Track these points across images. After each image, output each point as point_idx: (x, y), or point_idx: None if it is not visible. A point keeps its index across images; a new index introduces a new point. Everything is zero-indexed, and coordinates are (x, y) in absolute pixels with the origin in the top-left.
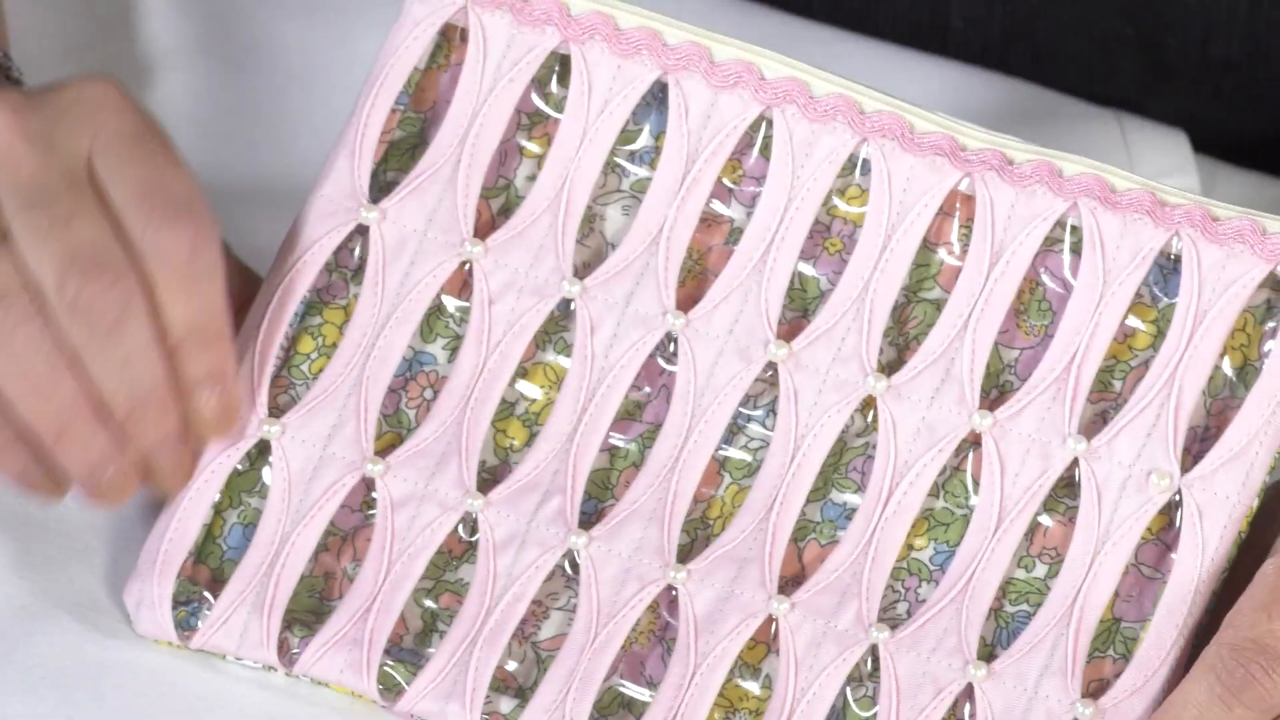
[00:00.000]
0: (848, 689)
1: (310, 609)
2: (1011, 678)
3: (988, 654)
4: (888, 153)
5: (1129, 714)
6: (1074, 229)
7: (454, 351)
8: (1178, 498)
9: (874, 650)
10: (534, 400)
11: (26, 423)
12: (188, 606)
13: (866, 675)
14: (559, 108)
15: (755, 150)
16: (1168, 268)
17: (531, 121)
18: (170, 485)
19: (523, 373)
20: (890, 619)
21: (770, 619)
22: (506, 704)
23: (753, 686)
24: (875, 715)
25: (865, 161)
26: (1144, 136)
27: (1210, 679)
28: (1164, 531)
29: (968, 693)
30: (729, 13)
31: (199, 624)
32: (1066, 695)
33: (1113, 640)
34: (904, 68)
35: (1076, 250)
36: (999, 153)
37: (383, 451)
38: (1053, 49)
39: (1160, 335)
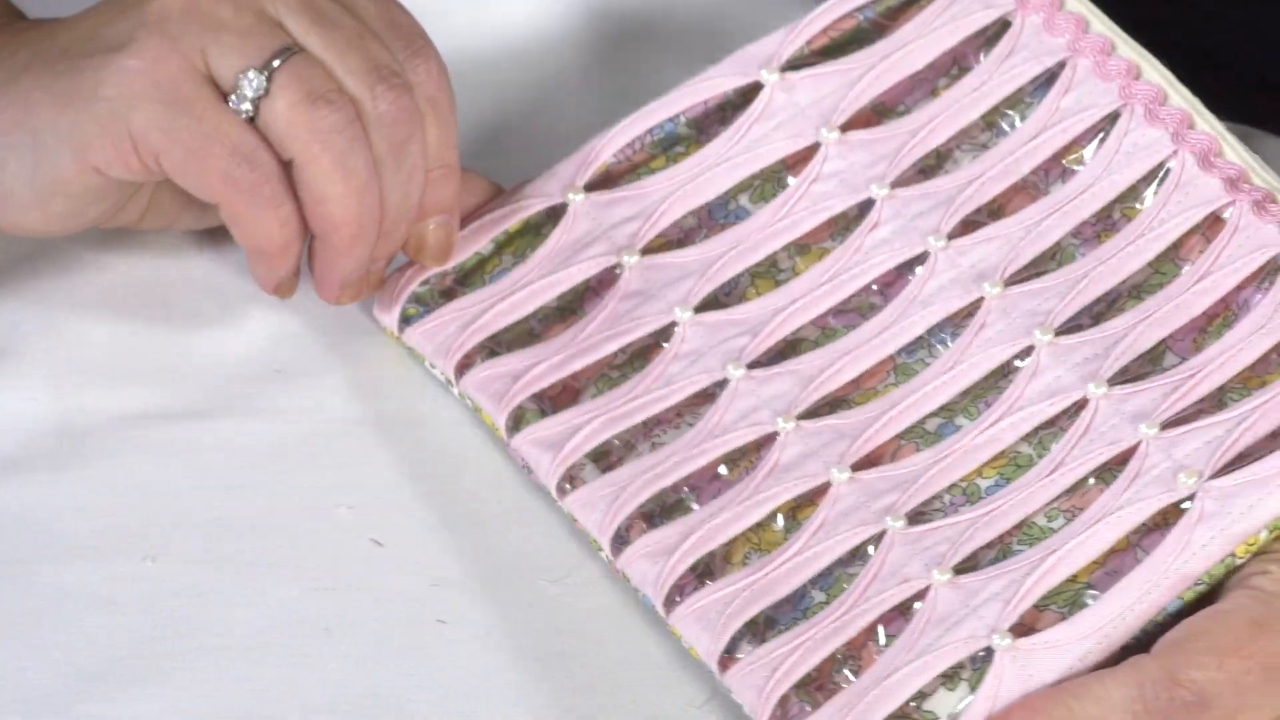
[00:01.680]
0: (849, 560)
1: (501, 349)
2: (966, 589)
3: (968, 568)
4: (1187, 169)
5: (1040, 664)
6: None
7: (756, 210)
8: (1190, 499)
9: (881, 535)
10: (796, 273)
11: (333, 219)
12: (419, 307)
13: (869, 555)
14: (970, 64)
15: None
16: None
17: (953, 69)
18: (352, 298)
19: (803, 249)
20: (915, 514)
21: (828, 484)
22: (591, 472)
23: (781, 534)
24: (850, 590)
25: (1166, 170)
26: None
27: (1135, 692)
28: (1161, 520)
29: (923, 592)
30: None
31: (416, 323)
32: (997, 623)
33: (1071, 600)
34: None
35: (1270, 285)
36: (1270, 193)
37: (640, 247)
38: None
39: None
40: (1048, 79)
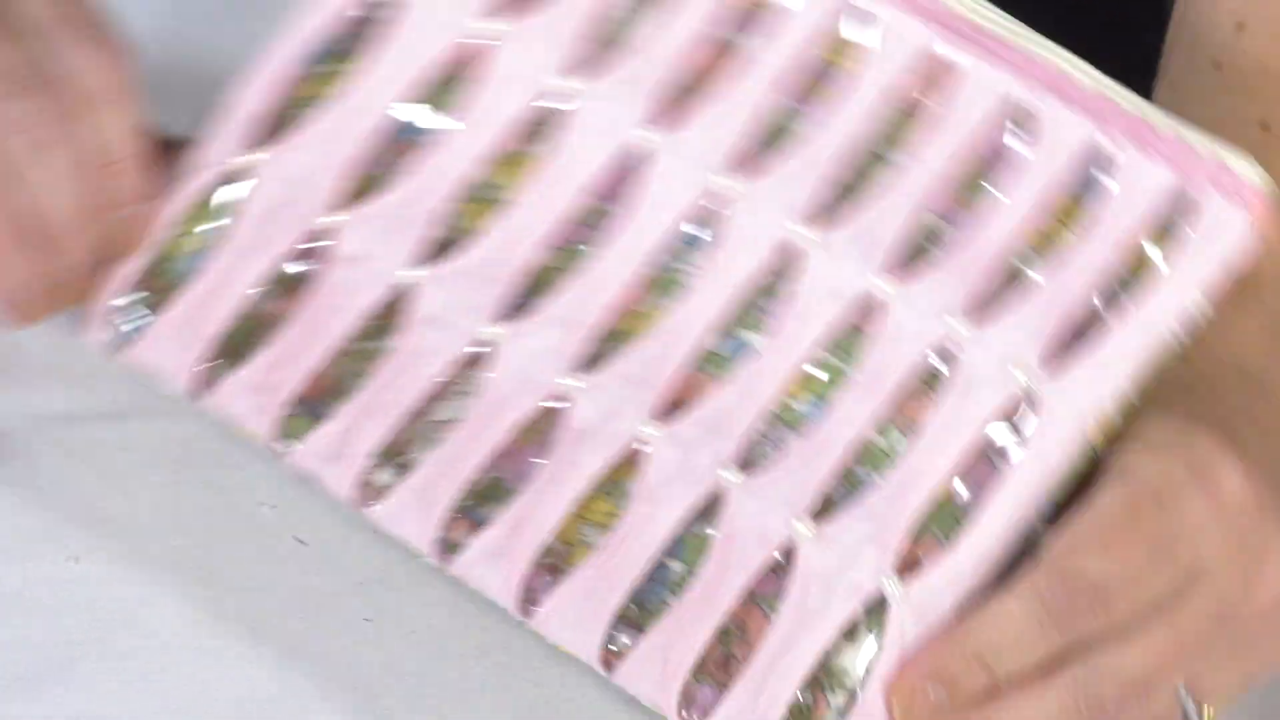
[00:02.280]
0: (696, 525)
1: (237, 347)
2: (835, 539)
3: (824, 511)
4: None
5: (936, 604)
6: (1029, 114)
7: (442, 129)
8: (1033, 396)
9: (721, 490)
10: (504, 188)
11: None
12: (136, 320)
13: (712, 513)
14: None
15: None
16: (1090, 166)
17: None
18: (78, 301)
19: (506, 158)
20: (747, 461)
21: (640, 441)
22: (385, 475)
23: (612, 501)
24: (709, 552)
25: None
26: None
27: (1034, 603)
28: (1014, 421)
29: (790, 547)
30: None
31: (134, 340)
32: (881, 566)
33: (939, 519)
34: None
35: (1017, 132)
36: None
37: (343, 204)
38: None
39: (1065, 233)
40: None
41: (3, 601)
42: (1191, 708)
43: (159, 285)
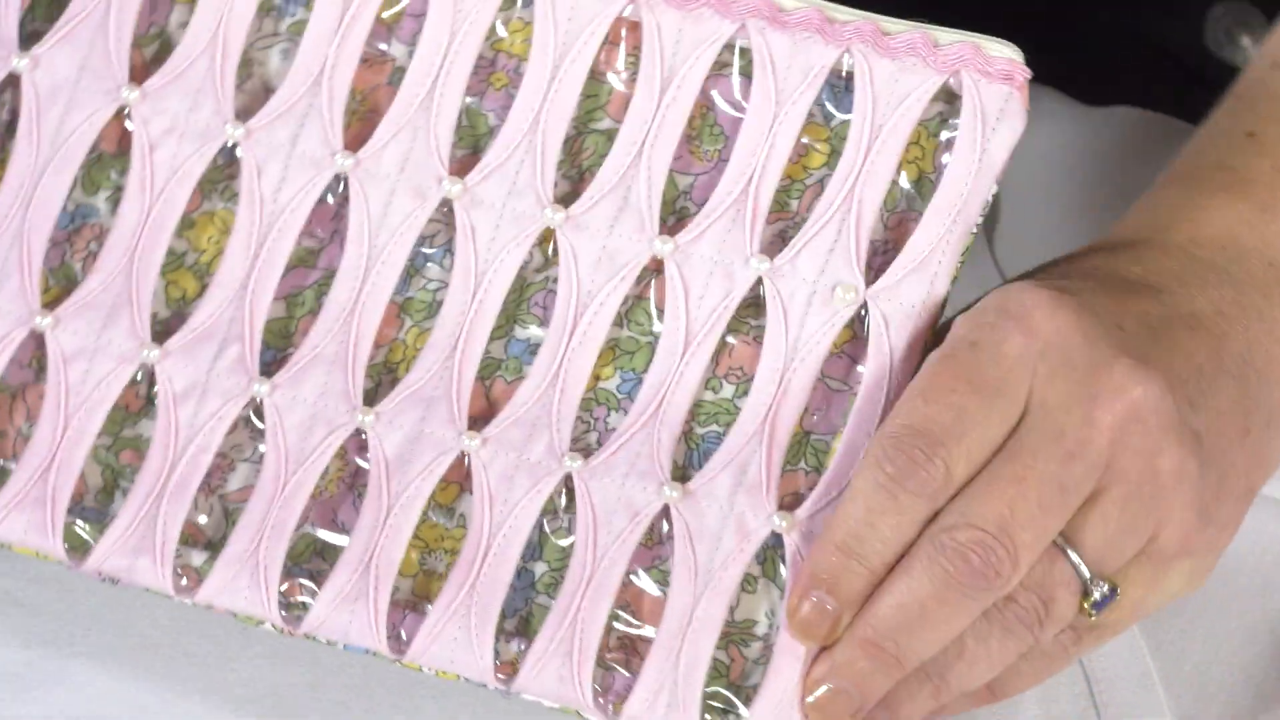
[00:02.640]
0: (544, 520)
1: None
2: (705, 497)
3: (681, 476)
4: None
5: (825, 523)
6: (744, 51)
7: (117, 204)
8: (863, 310)
9: (568, 480)
10: (203, 250)
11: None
12: None
13: (562, 508)
14: None
15: None
16: (839, 86)
17: None
18: None
19: (190, 224)
20: (582, 448)
21: (462, 455)
22: (198, 557)
23: (448, 525)
24: (573, 544)
25: None
26: None
27: (874, 470)
28: (849, 344)
29: (664, 514)
30: None
31: None
32: (762, 509)
33: (804, 453)
34: None
35: (747, 73)
36: None
37: (50, 305)
38: None
39: (835, 154)
40: None
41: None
42: (1082, 567)
43: None
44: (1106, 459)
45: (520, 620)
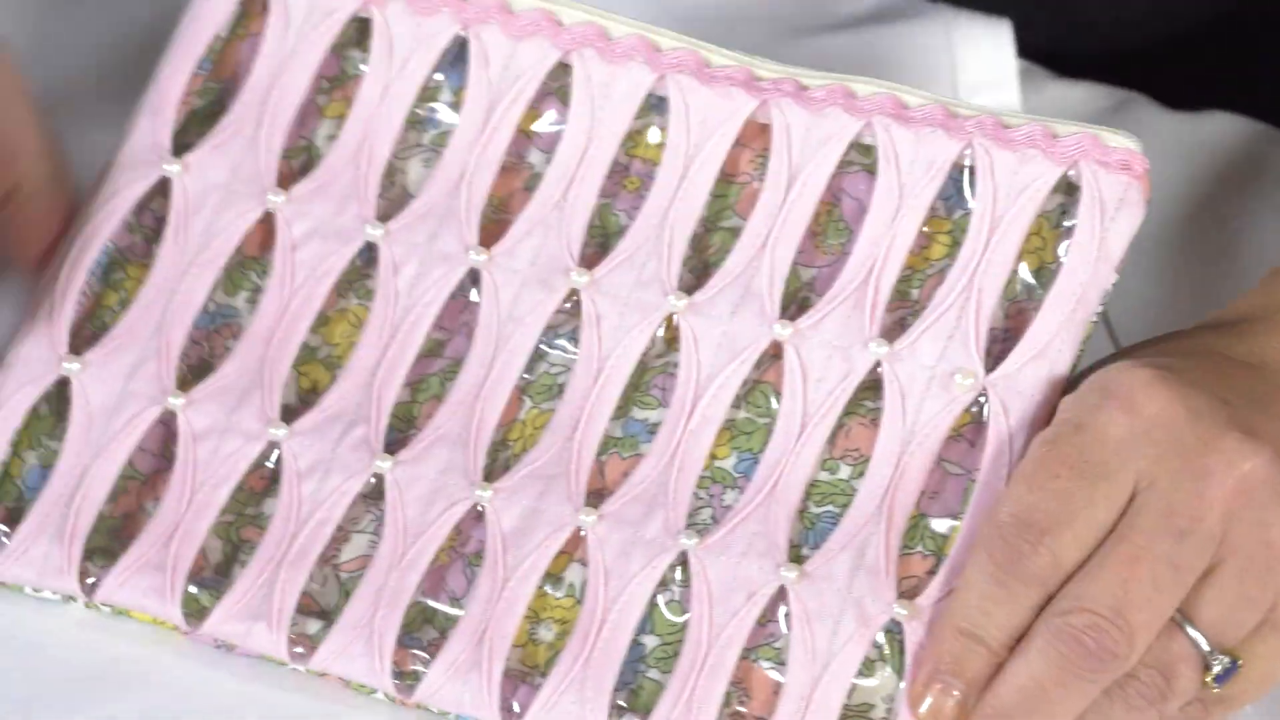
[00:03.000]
0: (658, 595)
1: (110, 543)
2: (823, 579)
3: (797, 555)
4: (685, 88)
5: (943, 610)
6: (868, 148)
7: (255, 304)
8: (982, 396)
9: (683, 556)
10: (336, 344)
11: None
12: None
13: (676, 581)
14: (359, 70)
15: (556, 98)
16: (960, 180)
17: (332, 85)
18: None
19: (325, 321)
20: (698, 526)
21: (577, 530)
22: (312, 625)
23: (556, 594)
24: (687, 620)
25: (661, 99)
26: (970, 44)
27: (984, 560)
28: (968, 429)
29: (780, 595)
30: None
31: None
32: (882, 595)
33: (921, 536)
34: None
35: (872, 170)
36: (794, 80)
37: (184, 388)
38: None
39: (956, 245)
40: (456, 54)
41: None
42: (1202, 641)
43: (11, 510)
44: (1220, 534)
45: (630, 693)
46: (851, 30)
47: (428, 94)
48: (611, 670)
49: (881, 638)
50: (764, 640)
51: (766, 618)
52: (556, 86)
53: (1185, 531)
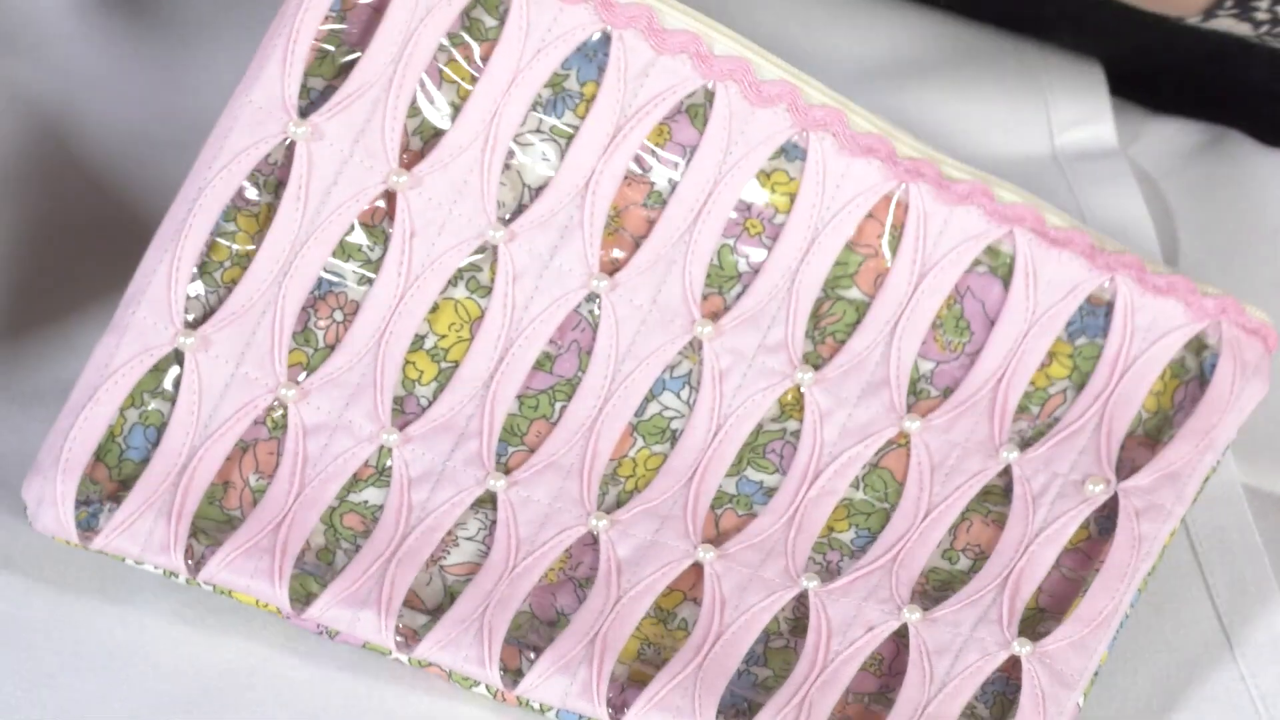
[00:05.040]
0: (770, 638)
1: (214, 520)
2: (947, 624)
3: (921, 608)
4: (826, 149)
5: (1063, 660)
6: (997, 253)
7: (364, 277)
8: (1112, 502)
9: (803, 596)
10: (443, 336)
11: None
12: (89, 507)
13: (787, 630)
14: (485, 37)
15: (687, 118)
16: (1086, 309)
17: (454, 43)
18: None
19: (433, 308)
20: (819, 575)
21: (695, 565)
22: (418, 619)
23: (668, 626)
24: (801, 650)
25: (797, 148)
26: (1062, 81)
27: None
28: (1085, 542)
29: (901, 631)
30: None
31: (101, 525)
32: (1003, 637)
33: (1038, 623)
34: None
35: (997, 274)
36: (935, 167)
37: (295, 376)
38: None
39: (1076, 370)
40: (595, 47)
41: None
42: None
43: (111, 469)
44: None
45: (738, 714)
46: (945, 72)
47: (553, 80)
48: (722, 678)
49: (983, 695)
50: (880, 689)
51: (883, 670)
52: (690, 106)
53: None
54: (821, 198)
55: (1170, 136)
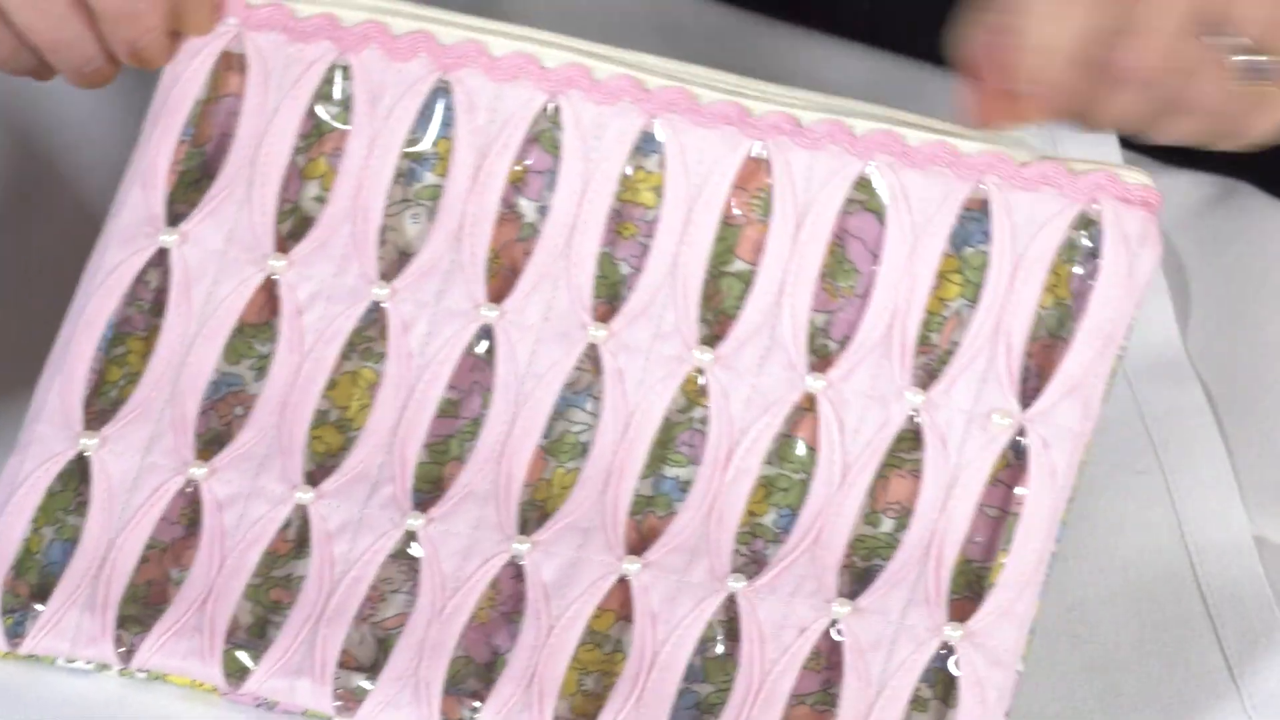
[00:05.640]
0: (706, 646)
1: (141, 611)
2: (876, 613)
3: (849, 596)
4: (678, 128)
5: (996, 636)
6: (868, 185)
7: (260, 371)
8: (1020, 435)
9: (732, 599)
10: (346, 407)
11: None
12: (14, 614)
13: (721, 637)
14: (343, 119)
15: (539, 146)
16: (968, 217)
17: (308, 143)
18: (155, 63)
19: (332, 384)
20: (744, 572)
21: (623, 579)
22: (355, 679)
23: (605, 650)
24: (738, 662)
25: (651, 139)
26: (1073, 133)
27: None
28: (1004, 471)
29: (833, 627)
30: None
31: (28, 629)
32: (933, 620)
33: (968, 582)
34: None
35: (871, 209)
36: (788, 115)
37: (204, 459)
38: None
39: (969, 284)
40: (436, 101)
41: None
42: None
43: (33, 585)
44: None
45: None
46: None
47: (411, 142)
48: (664, 705)
49: (932, 669)
50: (820, 686)
51: (820, 663)
52: (539, 131)
53: None
54: (686, 180)
55: (1182, 189)
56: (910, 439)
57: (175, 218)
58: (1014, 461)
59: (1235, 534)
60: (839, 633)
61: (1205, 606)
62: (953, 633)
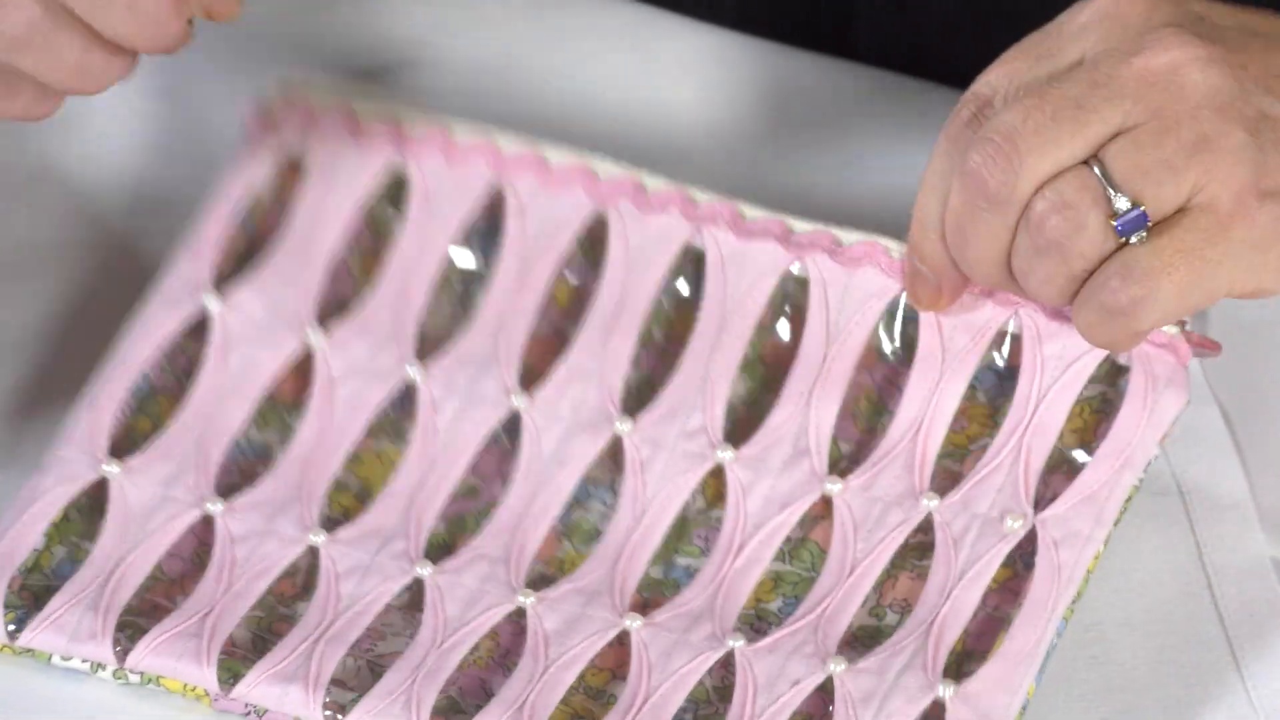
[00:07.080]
0: (702, 709)
1: (142, 620)
2: (872, 673)
3: (848, 660)
4: (720, 241)
5: (989, 700)
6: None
7: (287, 442)
8: (1032, 535)
9: (729, 656)
10: (366, 479)
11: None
12: (16, 611)
13: (715, 699)
14: (391, 229)
15: (580, 251)
16: (1000, 347)
17: (363, 250)
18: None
19: (357, 459)
20: (744, 635)
21: (622, 637)
22: (348, 695)
23: (598, 703)
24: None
25: (694, 249)
26: None
27: (940, 140)
28: (1013, 579)
29: (827, 685)
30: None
31: (28, 624)
32: (927, 680)
33: (962, 666)
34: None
35: (906, 330)
36: (828, 235)
37: (225, 497)
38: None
39: (992, 423)
40: (491, 208)
41: None
42: (1104, 178)
43: (39, 596)
44: (1135, 94)
45: None
46: None
47: (463, 236)
48: None
49: None
50: None
51: (810, 705)
52: (580, 240)
53: (1097, 83)
54: (725, 287)
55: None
56: (921, 549)
57: (222, 285)
58: (1021, 571)
59: (1253, 556)
60: (833, 690)
61: (1223, 628)
62: (945, 690)
